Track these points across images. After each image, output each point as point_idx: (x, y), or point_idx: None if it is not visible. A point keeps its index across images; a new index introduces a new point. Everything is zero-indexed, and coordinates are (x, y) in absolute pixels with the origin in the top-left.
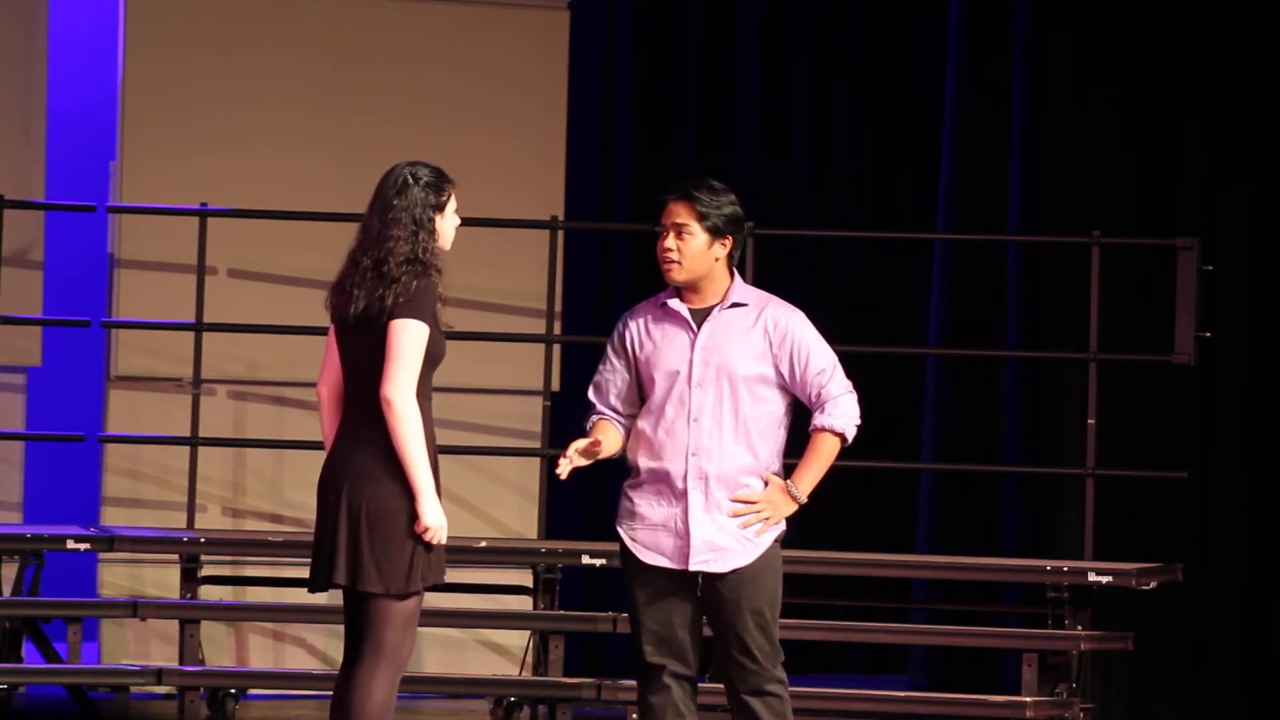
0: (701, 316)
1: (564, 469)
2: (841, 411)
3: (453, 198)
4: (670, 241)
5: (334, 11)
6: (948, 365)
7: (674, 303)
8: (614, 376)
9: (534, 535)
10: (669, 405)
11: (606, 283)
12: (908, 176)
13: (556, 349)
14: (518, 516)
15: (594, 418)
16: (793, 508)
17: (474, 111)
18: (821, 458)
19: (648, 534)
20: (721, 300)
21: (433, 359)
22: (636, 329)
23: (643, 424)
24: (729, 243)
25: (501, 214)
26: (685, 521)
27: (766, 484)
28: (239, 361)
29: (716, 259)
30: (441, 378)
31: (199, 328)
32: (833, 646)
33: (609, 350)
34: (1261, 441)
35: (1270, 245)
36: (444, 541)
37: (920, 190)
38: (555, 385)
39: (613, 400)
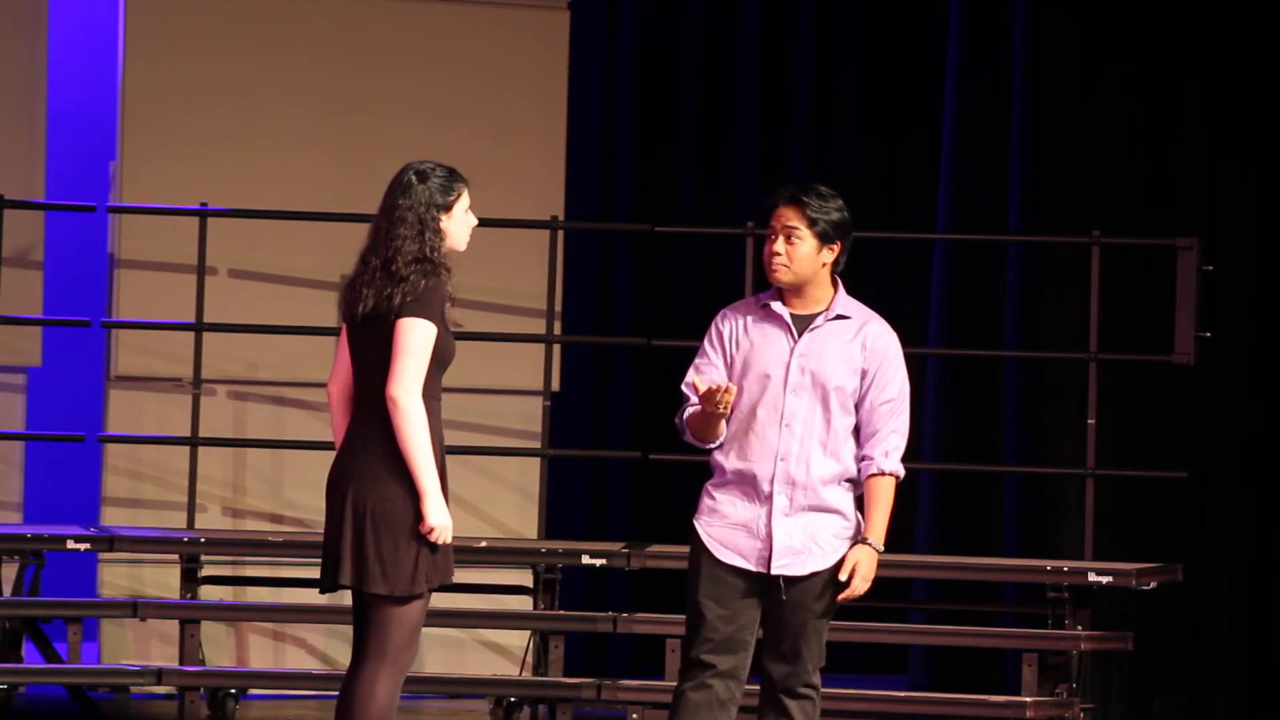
0: (803, 324)
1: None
2: (898, 455)
3: (464, 197)
4: (779, 245)
5: (334, 11)
6: (948, 365)
7: (776, 305)
8: (711, 371)
9: (534, 535)
10: (761, 408)
11: (606, 283)
12: (908, 176)
13: (556, 349)
14: (518, 516)
15: (689, 410)
16: (875, 560)
17: (474, 112)
18: (888, 504)
19: (726, 532)
20: (826, 310)
21: (442, 359)
22: (736, 326)
23: (732, 425)
24: (837, 249)
25: (501, 214)
26: (768, 525)
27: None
28: (239, 361)
29: (824, 264)
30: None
31: (199, 328)
32: (832, 646)
33: (706, 345)
34: (1261, 441)
35: (1270, 245)
36: (449, 541)
37: (920, 190)
38: (555, 385)
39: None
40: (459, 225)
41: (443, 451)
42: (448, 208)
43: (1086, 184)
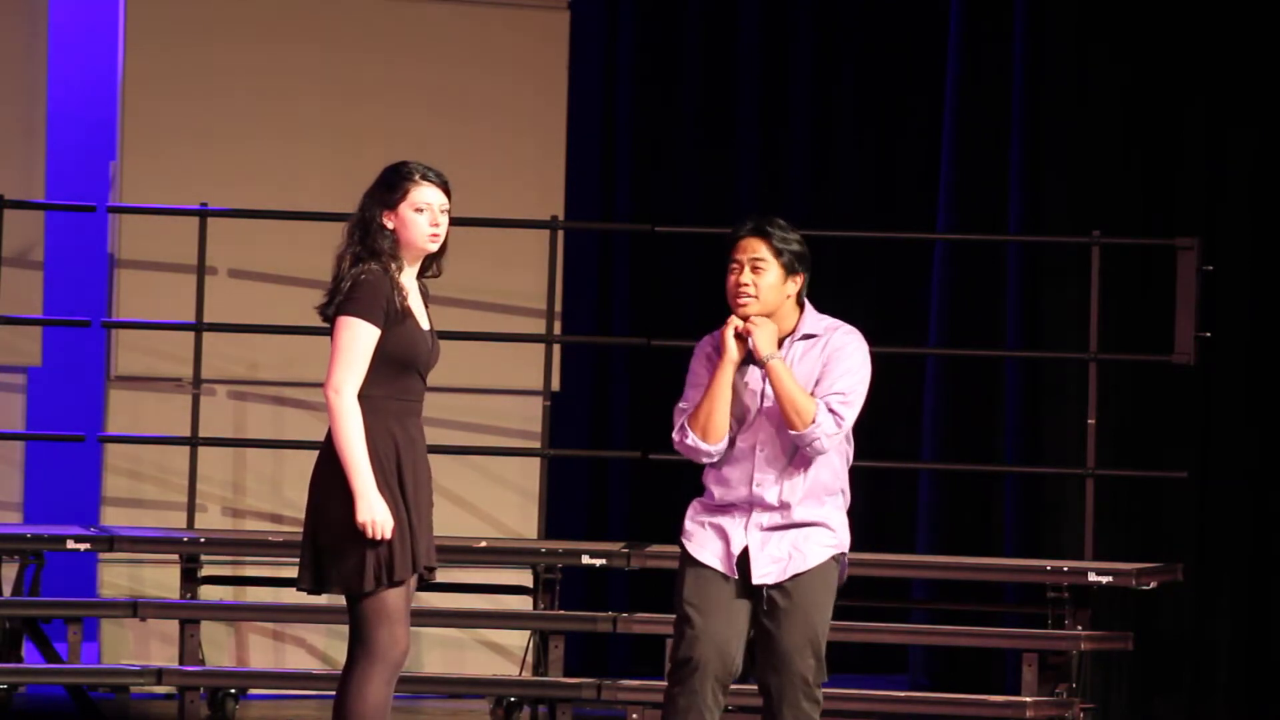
0: None
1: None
2: (827, 427)
3: (412, 195)
4: (746, 276)
5: (335, 12)
6: (948, 365)
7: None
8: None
9: (534, 535)
10: (739, 437)
11: (606, 283)
12: (908, 176)
13: (556, 349)
14: (518, 516)
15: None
16: (769, 338)
17: (475, 111)
18: (792, 385)
19: (711, 538)
20: (792, 333)
21: (398, 358)
22: (716, 353)
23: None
24: (800, 280)
25: (502, 213)
26: (746, 546)
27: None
28: (239, 361)
29: (788, 295)
30: (442, 378)
31: (199, 328)
32: (833, 646)
33: (697, 367)
34: (1261, 441)
35: (1270, 245)
36: (388, 536)
37: (920, 190)
38: (555, 385)
39: None
40: (407, 224)
41: (411, 452)
42: (392, 205)
43: (1086, 184)
